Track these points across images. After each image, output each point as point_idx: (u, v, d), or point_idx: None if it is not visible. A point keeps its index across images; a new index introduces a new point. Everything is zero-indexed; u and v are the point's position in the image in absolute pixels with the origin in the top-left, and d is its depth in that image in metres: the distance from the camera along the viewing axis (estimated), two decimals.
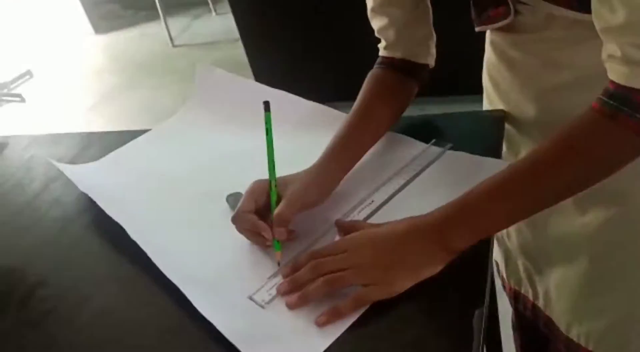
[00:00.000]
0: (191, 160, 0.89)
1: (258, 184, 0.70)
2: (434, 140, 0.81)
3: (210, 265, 0.70)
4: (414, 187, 0.75)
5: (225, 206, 0.77)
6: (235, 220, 0.68)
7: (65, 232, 0.81)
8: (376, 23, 0.81)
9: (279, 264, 0.66)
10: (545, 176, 0.58)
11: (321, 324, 0.58)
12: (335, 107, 0.88)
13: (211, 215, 0.76)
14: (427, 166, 0.77)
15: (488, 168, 0.65)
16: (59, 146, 1.00)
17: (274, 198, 0.69)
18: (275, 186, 0.69)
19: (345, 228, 0.68)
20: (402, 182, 0.75)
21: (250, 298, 0.63)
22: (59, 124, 2.85)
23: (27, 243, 0.81)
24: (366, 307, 0.59)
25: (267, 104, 0.69)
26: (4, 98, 2.96)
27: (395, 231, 0.62)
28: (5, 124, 2.99)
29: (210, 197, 0.79)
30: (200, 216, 0.78)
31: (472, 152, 0.77)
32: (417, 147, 0.81)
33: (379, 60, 0.83)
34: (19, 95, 3.12)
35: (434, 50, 0.82)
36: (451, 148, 0.79)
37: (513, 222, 0.69)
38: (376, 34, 0.82)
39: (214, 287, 0.67)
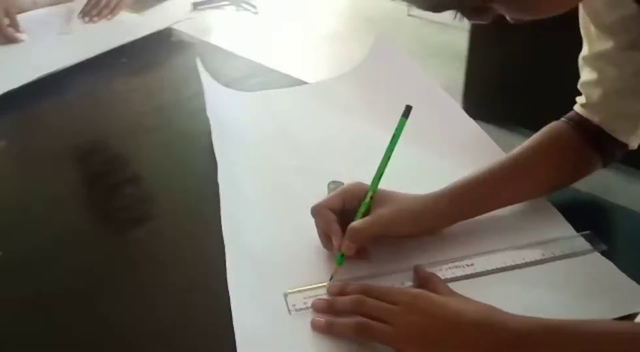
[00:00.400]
0: (321, 129, 0.84)
1: (356, 186, 0.62)
2: (587, 232, 0.64)
3: (271, 243, 0.65)
4: (528, 274, 0.60)
5: (324, 189, 0.69)
6: (313, 211, 0.62)
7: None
8: (584, 74, 0.66)
9: (331, 278, 0.58)
10: None
11: (314, 325, 0.53)
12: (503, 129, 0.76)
13: (304, 192, 0.69)
14: (561, 258, 0.62)
15: (629, 295, 0.54)
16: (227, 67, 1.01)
17: (362, 209, 0.61)
18: (372, 198, 0.61)
19: (420, 278, 0.58)
20: (519, 260, 0.61)
21: (285, 296, 0.57)
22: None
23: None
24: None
25: (408, 109, 0.61)
26: (241, 4, 3.13)
27: (463, 315, 0.49)
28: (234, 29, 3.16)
29: (315, 175, 0.72)
30: (292, 188, 0.73)
31: (627, 264, 0.60)
32: (561, 229, 0.65)
33: (570, 114, 0.69)
34: (254, 6, 3.28)
35: None
36: (603, 252, 0.62)
37: None
38: (579, 86, 0.68)
39: (258, 266, 0.61)
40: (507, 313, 0.49)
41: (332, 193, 0.63)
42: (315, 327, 0.53)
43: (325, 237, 0.61)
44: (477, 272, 0.60)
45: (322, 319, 0.54)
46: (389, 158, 0.61)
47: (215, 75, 0.90)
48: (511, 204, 0.66)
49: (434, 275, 0.58)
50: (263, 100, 0.90)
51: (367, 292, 0.54)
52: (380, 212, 0.60)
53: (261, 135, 0.82)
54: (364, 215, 0.60)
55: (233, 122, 0.83)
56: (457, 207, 0.63)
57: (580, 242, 0.63)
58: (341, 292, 0.56)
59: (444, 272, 0.60)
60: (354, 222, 0.59)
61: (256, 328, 0.54)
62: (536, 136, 0.67)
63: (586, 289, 0.58)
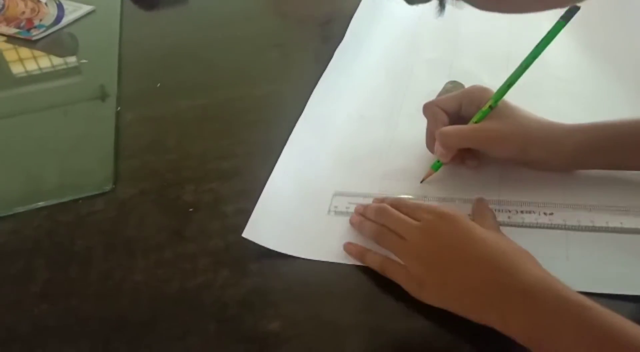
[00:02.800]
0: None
1: (479, 91, 0.55)
2: None
3: (357, 135, 0.64)
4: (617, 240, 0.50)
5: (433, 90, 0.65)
6: (425, 108, 0.57)
7: None
8: None
9: (422, 181, 0.57)
10: None
11: (346, 249, 0.51)
12: None
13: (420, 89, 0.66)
14: None
15: None
16: None
17: (477, 117, 0.53)
18: (492, 107, 0.53)
19: (474, 209, 0.52)
20: (615, 223, 0.50)
21: (334, 195, 0.56)
22: None
23: None
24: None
25: (572, 11, 0.47)
26: None
27: (481, 248, 0.44)
28: None
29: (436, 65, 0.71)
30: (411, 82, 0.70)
31: None
32: None
33: None
34: None
35: None
36: None
37: None
38: None
39: (326, 149, 0.62)
40: (529, 264, 0.43)
41: (451, 94, 0.57)
42: (351, 221, 0.53)
43: (431, 138, 0.56)
44: (552, 224, 0.51)
45: (357, 217, 0.53)
46: (527, 66, 0.51)
47: None
48: None
49: (487, 208, 0.52)
50: None
51: (397, 205, 0.52)
52: (489, 124, 0.53)
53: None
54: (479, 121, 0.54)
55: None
56: (594, 152, 0.52)
57: None
58: (382, 201, 0.54)
59: (511, 215, 0.52)
60: (448, 127, 0.54)
61: (279, 203, 0.56)
62: None
63: None
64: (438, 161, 0.56)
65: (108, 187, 0.59)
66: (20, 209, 0.58)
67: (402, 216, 0.50)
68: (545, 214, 0.52)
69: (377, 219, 0.51)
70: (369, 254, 0.50)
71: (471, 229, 0.46)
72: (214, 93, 0.73)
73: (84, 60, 0.84)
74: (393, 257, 0.49)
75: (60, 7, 0.91)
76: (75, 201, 0.58)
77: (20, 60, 0.86)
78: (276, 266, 0.51)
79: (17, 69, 0.84)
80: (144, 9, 0.95)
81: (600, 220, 0.51)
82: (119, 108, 0.71)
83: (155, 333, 0.46)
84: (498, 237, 0.46)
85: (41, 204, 0.58)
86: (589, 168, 0.55)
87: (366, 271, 0.49)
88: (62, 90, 0.79)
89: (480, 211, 0.52)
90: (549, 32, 0.50)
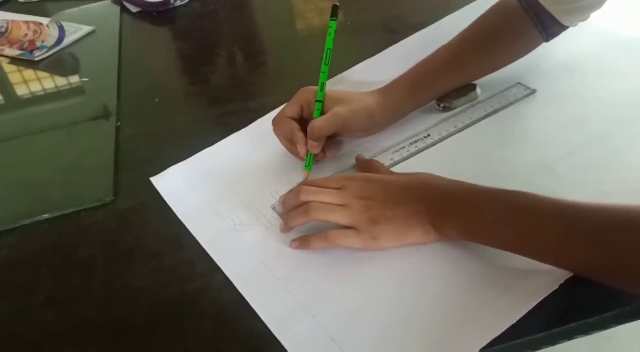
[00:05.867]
0: None
1: (308, 90, 0.63)
2: (517, 83, 0.70)
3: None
4: (474, 133, 0.65)
5: None
6: (275, 122, 0.63)
7: None
8: None
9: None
10: None
11: (292, 246, 0.53)
12: None
13: None
14: (502, 108, 0.67)
15: None
16: None
17: (316, 113, 0.62)
18: (322, 90, 0.63)
19: (360, 165, 0.61)
20: (467, 120, 0.66)
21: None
22: None
23: None
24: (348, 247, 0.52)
25: (335, 9, 0.67)
26: None
27: (401, 186, 0.53)
28: None
29: None
30: None
31: None
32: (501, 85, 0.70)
33: None
34: None
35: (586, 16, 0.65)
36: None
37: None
38: None
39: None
40: (440, 178, 0.53)
41: (288, 103, 0.63)
42: (281, 229, 0.55)
43: (291, 145, 0.62)
44: (434, 141, 0.64)
45: (295, 240, 0.54)
46: (328, 57, 0.64)
47: None
48: (463, 83, 0.69)
49: (372, 160, 0.61)
50: None
51: (315, 184, 0.55)
52: (337, 109, 0.61)
53: None
54: (322, 115, 0.62)
55: None
56: (410, 97, 0.65)
57: (515, 91, 0.69)
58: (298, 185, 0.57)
59: (388, 156, 0.62)
60: (313, 120, 0.61)
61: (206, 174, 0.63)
62: (487, 14, 0.68)
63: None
64: (308, 161, 0.60)
65: (109, 199, 0.62)
66: (26, 222, 0.60)
67: (326, 189, 0.54)
68: (424, 137, 0.65)
69: (304, 199, 0.53)
70: (311, 236, 0.52)
71: (382, 176, 0.55)
72: (211, 107, 0.76)
73: (85, 79, 0.87)
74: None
75: (61, 29, 0.95)
76: (78, 212, 0.61)
77: (25, 80, 0.89)
78: None
79: (20, 90, 0.87)
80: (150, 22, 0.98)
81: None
82: (118, 123, 0.74)
83: (156, 335, 0.48)
84: (401, 174, 0.56)
85: (45, 216, 0.61)
86: (424, 105, 0.67)
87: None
88: (64, 108, 0.81)
89: (367, 163, 0.60)
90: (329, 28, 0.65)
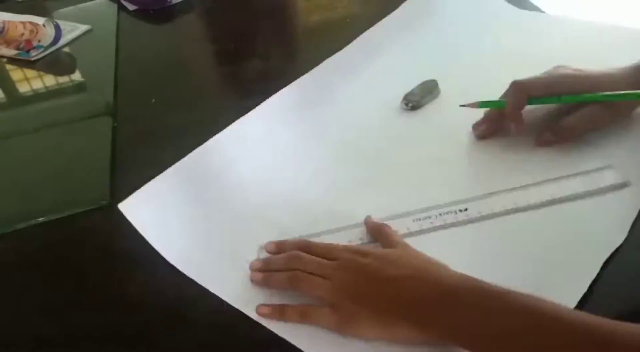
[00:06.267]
0: None
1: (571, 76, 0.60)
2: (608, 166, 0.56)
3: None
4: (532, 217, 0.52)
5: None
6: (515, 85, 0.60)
7: None
8: None
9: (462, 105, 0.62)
10: None
11: (259, 312, 0.47)
12: None
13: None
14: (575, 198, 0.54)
15: None
16: None
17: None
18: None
19: (369, 229, 0.53)
20: (523, 202, 0.54)
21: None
22: None
23: None
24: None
25: None
26: None
27: (405, 269, 0.45)
28: None
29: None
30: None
31: None
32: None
33: None
34: None
35: None
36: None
37: None
38: None
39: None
40: (444, 269, 0.46)
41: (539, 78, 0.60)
42: (254, 281, 0.50)
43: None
44: (469, 219, 0.53)
45: (259, 274, 0.50)
46: (594, 99, 0.58)
47: None
48: None
49: (384, 226, 0.52)
50: None
51: (307, 248, 0.51)
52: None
53: None
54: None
55: None
56: None
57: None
58: (279, 249, 0.52)
59: (423, 222, 0.53)
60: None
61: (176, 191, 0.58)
62: None
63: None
64: (491, 102, 0.60)
65: (105, 202, 0.60)
66: (21, 226, 0.59)
67: (317, 258, 0.49)
68: (459, 210, 0.54)
69: (288, 266, 0.49)
70: (287, 308, 0.47)
71: (386, 255, 0.47)
72: (208, 107, 0.74)
73: (82, 79, 0.85)
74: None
75: (57, 28, 0.93)
76: (73, 216, 0.59)
77: (22, 80, 0.87)
78: None
79: (17, 89, 0.86)
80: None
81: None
82: (115, 124, 0.72)
83: (150, 344, 0.47)
84: (410, 255, 0.48)
85: (39, 220, 0.59)
86: None
87: None
88: (61, 108, 0.80)
89: (378, 229, 0.52)
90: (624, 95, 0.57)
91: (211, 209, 0.58)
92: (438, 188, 0.57)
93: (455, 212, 0.54)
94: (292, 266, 0.49)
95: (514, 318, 0.39)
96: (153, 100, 0.76)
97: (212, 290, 0.50)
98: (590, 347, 0.36)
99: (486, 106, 0.62)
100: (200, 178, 0.61)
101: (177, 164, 0.62)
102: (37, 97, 0.83)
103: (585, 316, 0.38)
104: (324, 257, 0.49)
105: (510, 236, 0.51)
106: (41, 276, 0.54)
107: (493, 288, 0.41)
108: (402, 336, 0.43)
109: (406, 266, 0.46)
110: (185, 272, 0.51)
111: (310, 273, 0.47)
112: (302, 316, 0.46)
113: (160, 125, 0.71)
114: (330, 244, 0.51)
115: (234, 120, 0.68)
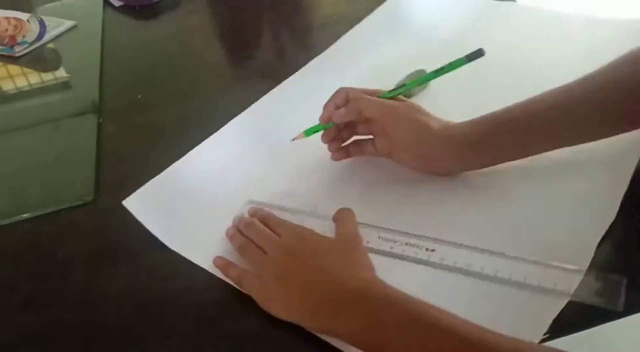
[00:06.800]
0: None
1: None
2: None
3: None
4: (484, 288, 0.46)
5: None
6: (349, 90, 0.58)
7: None
8: None
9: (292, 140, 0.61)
10: None
11: (215, 263, 0.51)
12: None
13: None
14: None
15: None
16: None
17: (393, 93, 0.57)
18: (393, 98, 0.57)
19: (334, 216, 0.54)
20: (489, 270, 0.47)
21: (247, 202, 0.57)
22: None
23: None
24: None
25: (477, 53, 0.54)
26: None
27: (328, 266, 0.47)
28: None
29: None
30: None
31: None
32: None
33: None
34: None
35: None
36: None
37: None
38: None
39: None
40: (360, 270, 0.46)
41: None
42: (227, 233, 0.54)
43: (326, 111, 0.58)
44: (432, 262, 0.49)
45: (220, 259, 0.52)
46: (418, 83, 0.58)
47: None
48: (562, 146, 0.54)
49: (343, 209, 0.53)
50: None
51: (266, 219, 0.53)
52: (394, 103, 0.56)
53: None
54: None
55: None
56: (491, 147, 0.53)
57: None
58: (252, 214, 0.55)
59: (388, 244, 0.50)
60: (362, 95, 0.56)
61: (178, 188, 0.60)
62: (615, 62, 0.53)
63: None
64: (314, 127, 0.59)
65: (89, 198, 0.60)
66: (5, 222, 0.59)
67: (267, 231, 0.51)
68: (427, 249, 0.50)
69: (246, 233, 0.52)
70: (231, 267, 0.50)
71: (321, 247, 0.48)
72: (194, 103, 0.74)
73: (67, 75, 0.85)
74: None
75: (42, 24, 0.93)
76: (58, 212, 0.60)
77: (5, 77, 0.87)
78: None
79: (1, 86, 0.85)
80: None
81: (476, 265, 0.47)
82: (100, 120, 0.72)
83: (136, 337, 0.47)
84: (343, 247, 0.49)
85: (25, 216, 0.59)
86: (499, 163, 0.54)
87: None
88: (45, 105, 0.80)
89: (337, 213, 0.53)
90: (450, 64, 0.55)
91: (208, 202, 0.59)
92: (412, 215, 0.53)
93: (425, 250, 0.50)
94: (247, 233, 0.52)
95: (415, 326, 0.40)
96: (139, 96, 0.76)
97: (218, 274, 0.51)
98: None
99: (314, 132, 0.59)
100: (198, 176, 0.62)
101: (176, 164, 0.63)
102: (21, 94, 0.83)
103: (472, 326, 0.38)
104: (273, 231, 0.51)
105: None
106: (25, 271, 0.54)
107: (395, 291, 0.42)
108: (307, 327, 0.45)
109: (331, 263, 0.47)
110: (189, 258, 0.53)
111: (258, 243, 0.51)
112: (238, 279, 0.49)
113: (145, 122, 0.71)
114: (283, 221, 0.53)
115: (220, 117, 0.69)
